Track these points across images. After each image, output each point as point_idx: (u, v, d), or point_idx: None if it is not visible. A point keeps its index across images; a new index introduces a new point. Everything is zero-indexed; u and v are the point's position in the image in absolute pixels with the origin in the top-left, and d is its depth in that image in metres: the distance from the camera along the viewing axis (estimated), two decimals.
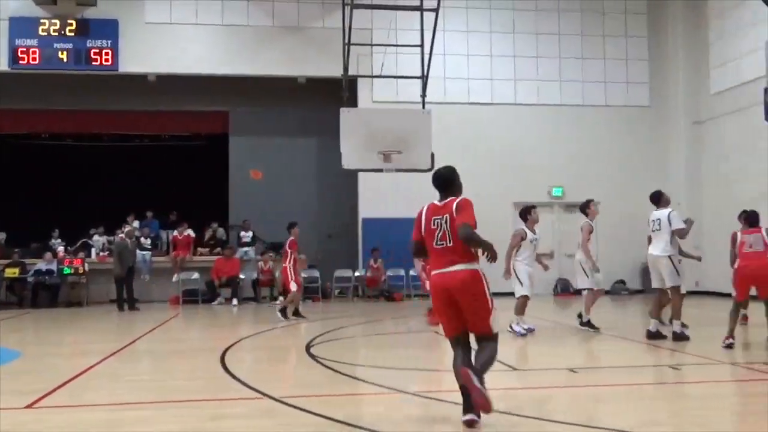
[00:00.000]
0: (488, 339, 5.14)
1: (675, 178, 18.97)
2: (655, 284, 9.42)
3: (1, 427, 5.03)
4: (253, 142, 19.94)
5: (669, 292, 9.16)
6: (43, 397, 6.01)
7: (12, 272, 16.71)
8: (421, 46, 14.11)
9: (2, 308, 16.16)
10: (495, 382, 6.83)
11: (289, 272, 12.71)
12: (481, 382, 4.87)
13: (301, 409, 5.45)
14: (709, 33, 18.48)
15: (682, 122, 18.95)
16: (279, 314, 12.62)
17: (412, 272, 17.58)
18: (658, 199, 9.63)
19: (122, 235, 16.06)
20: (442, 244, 5.11)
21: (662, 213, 9.30)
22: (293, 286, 12.69)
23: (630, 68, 19.56)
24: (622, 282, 18.76)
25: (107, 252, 17.68)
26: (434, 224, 5.15)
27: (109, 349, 9.04)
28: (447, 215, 5.10)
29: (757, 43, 15.01)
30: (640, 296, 18.09)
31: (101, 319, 14.33)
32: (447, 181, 5.29)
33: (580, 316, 10.58)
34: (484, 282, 5.06)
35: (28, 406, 5.67)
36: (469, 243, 4.99)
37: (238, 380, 6.79)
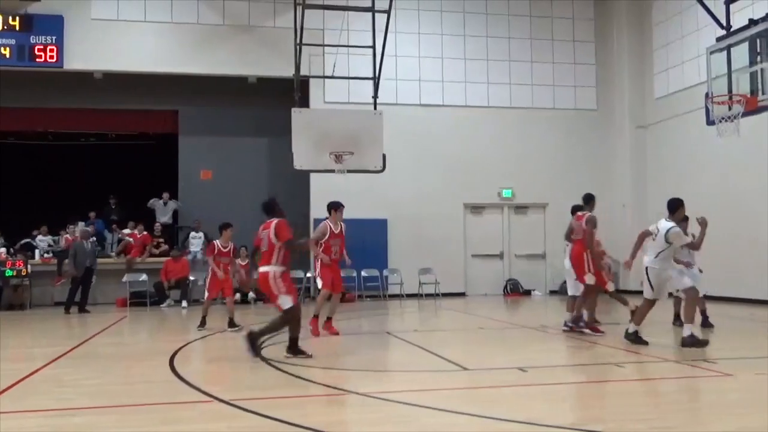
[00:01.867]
0: (280, 312, 7.94)
1: (621, 181, 19.44)
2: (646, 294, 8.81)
3: None
4: (202, 142, 19.70)
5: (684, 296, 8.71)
6: None
7: None
8: (373, 47, 14.15)
9: None
10: (446, 381, 6.92)
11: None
12: (251, 339, 7.93)
13: (252, 412, 5.42)
14: (653, 39, 18.98)
15: (627, 126, 19.41)
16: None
17: (364, 273, 17.65)
18: (675, 208, 8.87)
19: (77, 235, 15.84)
20: (264, 249, 7.99)
21: (664, 226, 8.58)
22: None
23: (577, 72, 19.96)
24: None
25: (51, 254, 17.32)
26: (262, 235, 8.06)
27: (54, 352, 8.83)
28: (268, 231, 7.95)
29: (699, 49, 15.48)
30: None
31: (45, 322, 13.99)
32: (268, 207, 8.20)
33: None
34: (273, 278, 7.83)
35: None
36: (292, 249, 8.10)
37: (188, 383, 6.71)
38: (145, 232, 17.96)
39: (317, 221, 18.03)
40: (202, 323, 11.38)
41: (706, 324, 10.35)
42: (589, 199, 10.32)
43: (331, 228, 10.47)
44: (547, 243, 19.32)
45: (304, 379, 7.00)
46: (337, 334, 10.33)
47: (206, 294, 11.70)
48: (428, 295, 17.81)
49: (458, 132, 18.99)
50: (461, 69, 19.32)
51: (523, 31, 19.69)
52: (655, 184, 18.80)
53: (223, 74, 18.22)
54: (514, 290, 18.77)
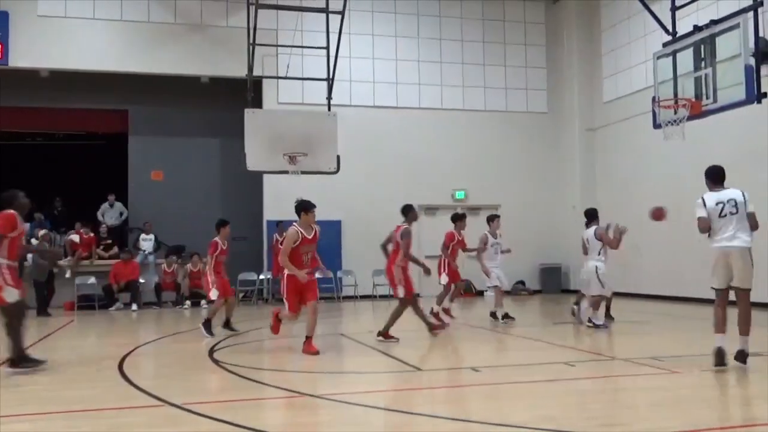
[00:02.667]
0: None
1: (570, 182, 19.76)
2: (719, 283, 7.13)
3: None
4: (153, 142, 19.38)
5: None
6: None
7: None
8: (327, 48, 14.12)
9: None
10: (400, 382, 6.94)
11: (209, 278, 10.88)
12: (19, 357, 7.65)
13: (204, 416, 5.35)
14: (602, 44, 19.35)
15: (577, 129, 19.71)
16: (202, 329, 10.63)
17: (317, 275, 17.51)
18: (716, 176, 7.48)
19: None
20: None
21: (735, 193, 7.23)
22: (213, 294, 10.80)
23: (529, 75, 20.24)
24: (522, 283, 19.35)
25: None
26: None
27: None
28: None
29: (646, 54, 15.84)
30: (538, 296, 18.74)
31: None
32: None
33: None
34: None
35: None
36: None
37: (138, 388, 6.59)
38: (91, 234, 17.51)
39: (270, 223, 17.97)
40: (228, 325, 11.07)
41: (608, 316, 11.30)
42: (407, 210, 10.25)
43: (302, 233, 8.77)
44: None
45: (257, 381, 6.95)
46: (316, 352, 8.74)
47: (214, 295, 10.84)
48: (382, 297, 17.82)
49: (412, 133, 19.08)
50: (415, 71, 19.41)
51: (476, 34, 19.88)
52: (603, 186, 19.17)
53: (175, 74, 17.96)
54: (467, 291, 18.89)
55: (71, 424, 5.34)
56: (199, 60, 17.90)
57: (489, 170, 19.56)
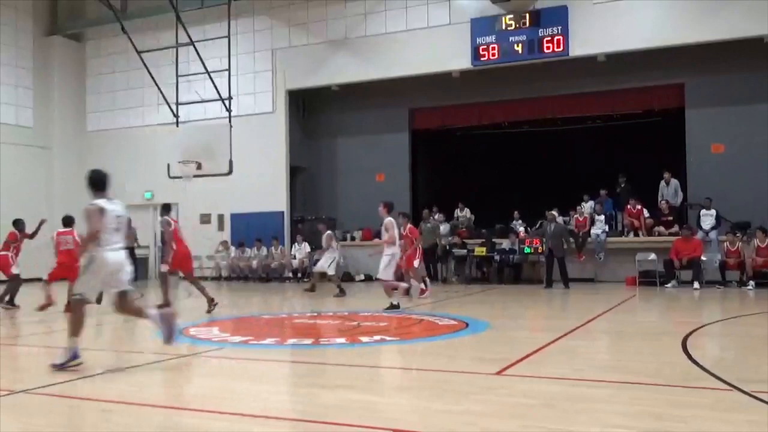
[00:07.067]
0: None
1: None
2: None
3: (475, 389, 5.59)
4: (712, 114, 18.46)
5: None
6: (509, 365, 6.47)
7: (480, 251, 18.46)
8: None
9: (472, 283, 18.01)
10: None
11: None
12: None
13: None
14: None
15: None
16: None
17: None
18: None
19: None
20: None
21: None
22: None
23: None
24: None
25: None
26: None
27: (568, 326, 9.31)
28: None
29: None
30: None
31: (558, 297, 14.81)
32: None
33: None
34: None
35: (498, 373, 6.16)
36: None
37: (703, 368, 6.35)
38: (638, 207, 17.76)
39: None
40: None
41: None
42: None
43: None
44: None
45: None
46: None
47: None
48: None
49: None
50: None
51: None
52: None
53: (732, 38, 16.70)
54: None
55: (632, 394, 5.43)
56: (759, 19, 16.29)
57: None
